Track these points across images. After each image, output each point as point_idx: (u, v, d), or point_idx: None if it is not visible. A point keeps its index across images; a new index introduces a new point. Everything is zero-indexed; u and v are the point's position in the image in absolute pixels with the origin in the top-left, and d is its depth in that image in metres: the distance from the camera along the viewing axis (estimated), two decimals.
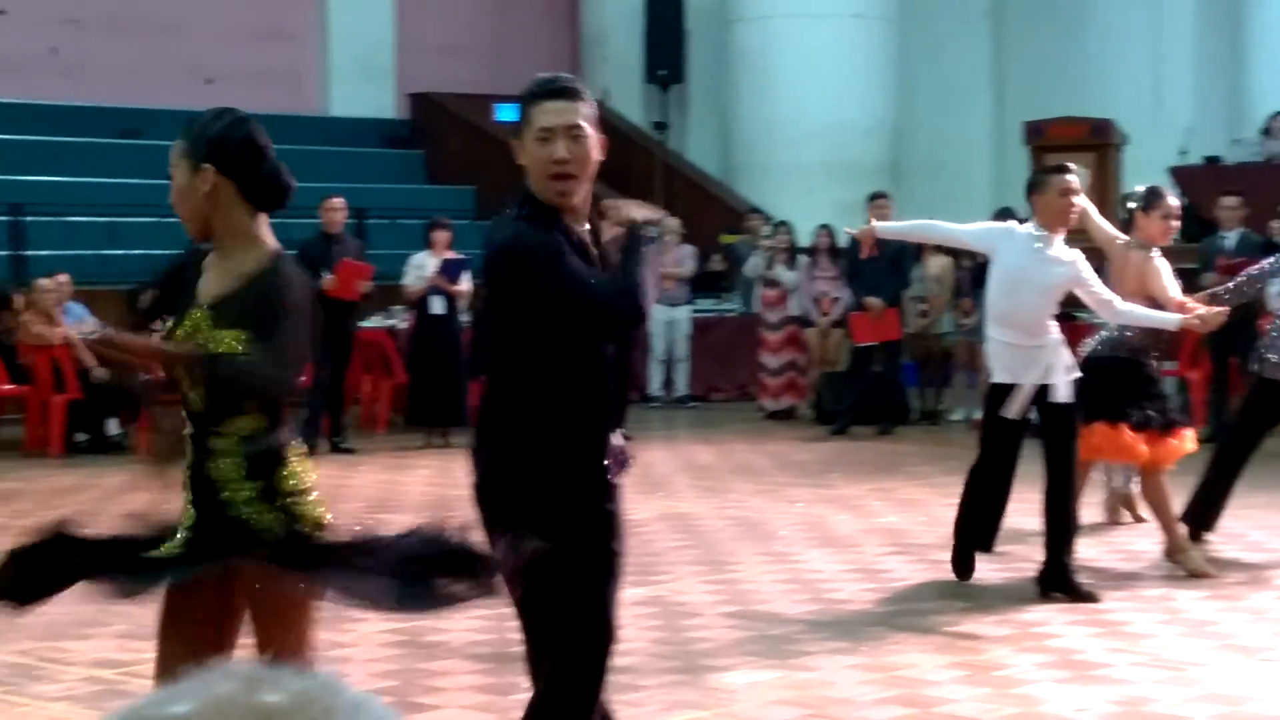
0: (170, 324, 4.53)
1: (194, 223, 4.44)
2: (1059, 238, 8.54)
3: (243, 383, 4.33)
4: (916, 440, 15.31)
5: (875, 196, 15.61)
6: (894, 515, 11.08)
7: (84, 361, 14.43)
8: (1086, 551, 9.21)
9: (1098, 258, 9.23)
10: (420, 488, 12.54)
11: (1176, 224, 9.43)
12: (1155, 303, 8.94)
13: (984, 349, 9.19)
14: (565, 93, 4.59)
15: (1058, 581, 8.53)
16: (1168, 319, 8.80)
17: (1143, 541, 9.92)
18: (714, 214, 20.78)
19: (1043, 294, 8.49)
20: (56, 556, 4.35)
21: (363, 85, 22.59)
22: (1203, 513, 9.75)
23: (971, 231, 9.03)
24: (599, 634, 4.60)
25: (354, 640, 7.56)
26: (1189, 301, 8.97)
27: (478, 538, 4.51)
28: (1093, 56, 22.39)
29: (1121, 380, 9.08)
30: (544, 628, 4.59)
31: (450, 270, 14.88)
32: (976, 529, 8.93)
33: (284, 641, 4.31)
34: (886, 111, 21.64)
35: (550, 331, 4.56)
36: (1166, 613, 8.27)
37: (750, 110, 21.47)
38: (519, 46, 23.08)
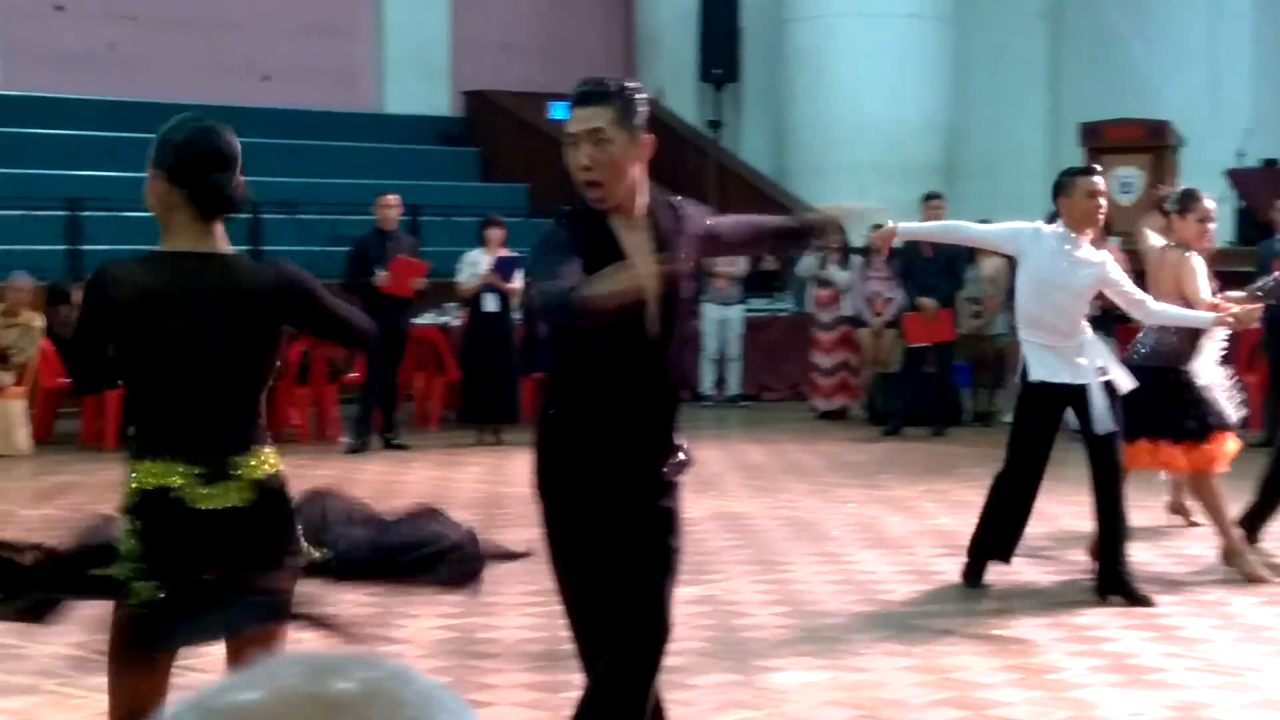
0: None
1: (160, 222, 4.58)
2: (1086, 239, 8.50)
3: None
4: (969, 442, 15.23)
5: (930, 197, 15.57)
6: (946, 517, 11.03)
7: None
8: (1141, 555, 9.14)
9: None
10: (472, 485, 12.56)
11: (1212, 227, 9.37)
12: (1189, 305, 8.89)
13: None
14: (589, 98, 4.66)
15: (1114, 584, 8.48)
16: (1201, 317, 8.76)
17: (1198, 545, 9.85)
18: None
19: (1073, 296, 8.44)
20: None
21: (418, 82, 22.63)
22: (1259, 517, 9.67)
23: (998, 233, 8.98)
24: (654, 629, 4.61)
25: (406, 637, 7.58)
26: (1221, 302, 8.94)
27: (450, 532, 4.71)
28: (1150, 57, 22.23)
29: (1156, 392, 8.97)
30: (600, 623, 4.61)
31: (503, 268, 14.89)
32: (997, 539, 8.86)
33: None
34: (941, 112, 21.56)
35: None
36: (1222, 618, 8.21)
37: (804, 110, 21.42)
38: (574, 45, 23.10)
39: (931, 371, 16.01)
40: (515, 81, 22.78)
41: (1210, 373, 9.29)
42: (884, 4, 21.11)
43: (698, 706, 6.51)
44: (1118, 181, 17.41)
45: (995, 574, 8.97)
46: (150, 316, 4.34)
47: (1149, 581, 8.73)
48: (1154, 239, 9.38)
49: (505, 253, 15.04)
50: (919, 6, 21.33)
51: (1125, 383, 8.50)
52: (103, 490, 11.85)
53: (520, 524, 10.53)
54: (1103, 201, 8.52)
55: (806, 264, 17.71)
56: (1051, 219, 8.74)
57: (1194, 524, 10.30)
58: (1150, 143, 17.73)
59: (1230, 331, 9.16)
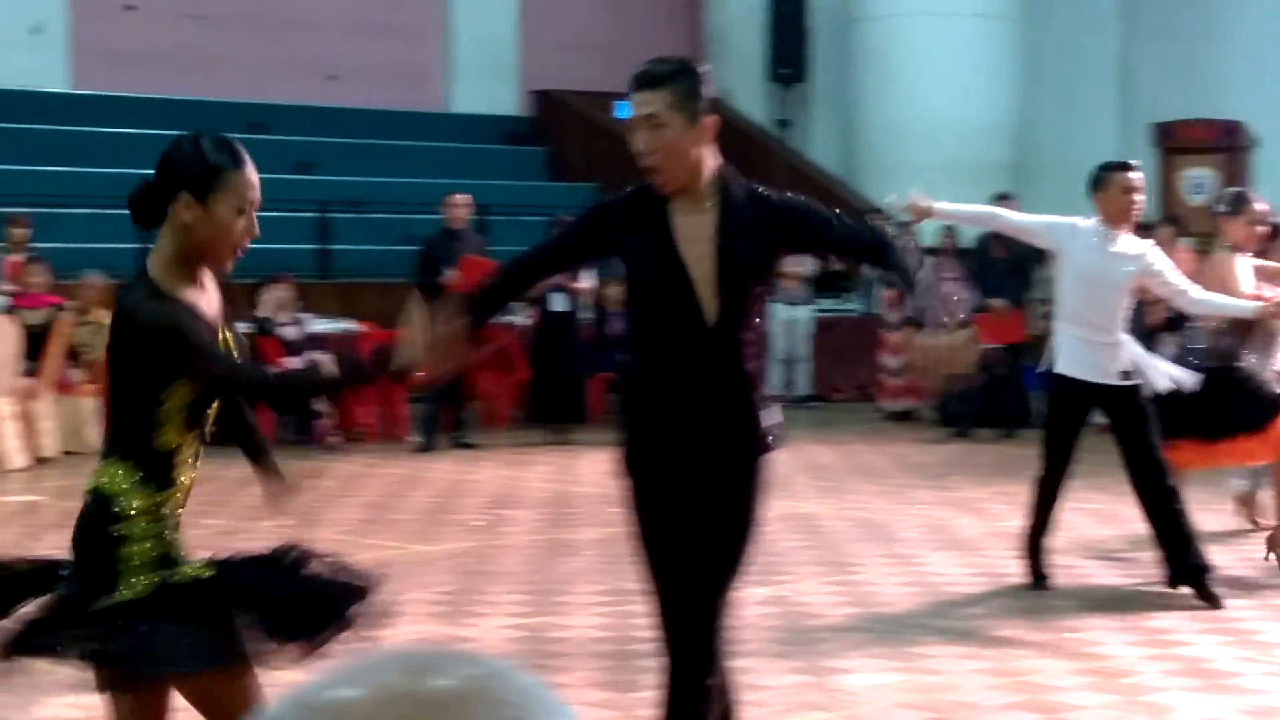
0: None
1: None
2: (1124, 232, 8.46)
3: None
4: (1039, 444, 15.10)
5: (1001, 197, 15.45)
6: (1017, 519, 10.92)
7: None
8: (1215, 559, 9.04)
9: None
10: (540, 484, 12.56)
11: (1263, 229, 9.38)
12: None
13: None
14: (644, 81, 4.66)
15: (1189, 576, 8.41)
16: (1244, 305, 8.72)
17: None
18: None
19: (1115, 290, 8.43)
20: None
21: (485, 82, 22.68)
22: None
23: (1034, 224, 8.93)
24: (698, 664, 4.74)
25: (476, 636, 7.57)
26: (1265, 292, 8.89)
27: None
28: (1224, 57, 22.00)
29: (1210, 391, 8.90)
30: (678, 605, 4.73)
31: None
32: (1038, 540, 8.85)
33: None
34: (1011, 112, 21.44)
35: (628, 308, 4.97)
36: None
37: (873, 109, 21.35)
38: (640, 44, 23.01)
39: (1001, 373, 15.91)
40: (582, 81, 22.78)
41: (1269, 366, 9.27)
42: (953, 3, 21.01)
43: (769, 708, 6.48)
44: (1190, 182, 17.33)
45: (1067, 576, 8.90)
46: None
47: (1223, 585, 8.63)
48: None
49: None
50: (988, 6, 21.22)
51: (1187, 382, 8.51)
52: None
53: (588, 523, 10.55)
54: (1138, 197, 8.50)
55: None
56: None
57: (1257, 524, 10.23)
58: (1223, 143, 17.61)
59: None
